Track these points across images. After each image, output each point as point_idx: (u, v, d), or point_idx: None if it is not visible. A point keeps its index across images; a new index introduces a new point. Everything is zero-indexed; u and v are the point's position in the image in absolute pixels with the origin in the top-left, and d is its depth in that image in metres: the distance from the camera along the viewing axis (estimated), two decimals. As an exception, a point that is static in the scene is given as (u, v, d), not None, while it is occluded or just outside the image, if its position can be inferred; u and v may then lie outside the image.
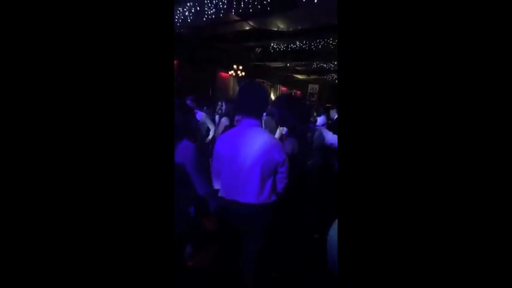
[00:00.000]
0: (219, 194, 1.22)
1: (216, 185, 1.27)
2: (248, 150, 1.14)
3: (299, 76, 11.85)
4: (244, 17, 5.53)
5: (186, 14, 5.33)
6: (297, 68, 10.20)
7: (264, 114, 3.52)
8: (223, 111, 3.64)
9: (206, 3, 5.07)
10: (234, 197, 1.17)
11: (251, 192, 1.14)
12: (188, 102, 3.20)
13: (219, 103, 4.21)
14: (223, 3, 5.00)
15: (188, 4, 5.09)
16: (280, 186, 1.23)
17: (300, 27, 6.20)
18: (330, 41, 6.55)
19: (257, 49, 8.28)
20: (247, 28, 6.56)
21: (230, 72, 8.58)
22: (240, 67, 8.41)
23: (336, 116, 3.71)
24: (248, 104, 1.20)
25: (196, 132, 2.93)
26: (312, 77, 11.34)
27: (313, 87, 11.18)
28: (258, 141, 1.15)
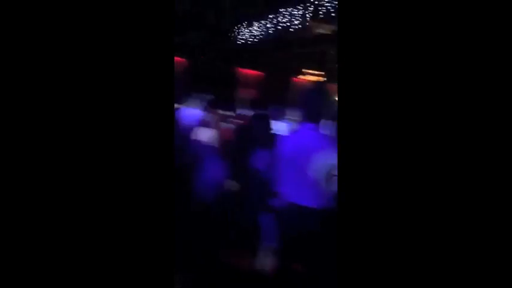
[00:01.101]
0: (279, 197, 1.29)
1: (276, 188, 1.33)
2: (308, 154, 1.20)
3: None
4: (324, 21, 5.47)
5: (268, 26, 5.66)
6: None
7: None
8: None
9: (289, 16, 5.23)
10: (294, 199, 1.22)
11: (311, 196, 1.19)
12: (266, 112, 3.36)
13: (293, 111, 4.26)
14: (304, 12, 5.08)
15: (270, 18, 5.39)
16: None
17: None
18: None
19: (332, 51, 7.98)
20: (324, 32, 6.44)
21: (305, 77, 8.57)
22: (315, 72, 8.30)
23: None
24: (310, 108, 1.26)
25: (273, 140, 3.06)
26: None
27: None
28: (317, 145, 1.21)
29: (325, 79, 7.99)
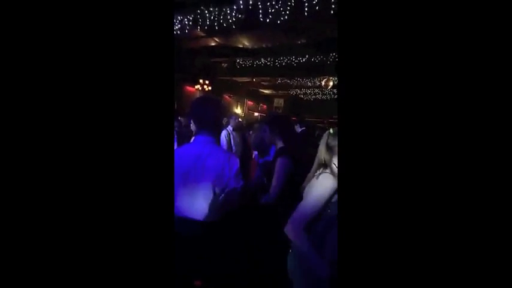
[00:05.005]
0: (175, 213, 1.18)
1: None
2: (200, 168, 1.15)
3: (265, 91, 12.24)
4: (210, 33, 5.64)
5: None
6: (262, 83, 10.56)
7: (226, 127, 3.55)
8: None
9: (171, 19, 5.07)
10: (188, 215, 1.16)
11: (205, 210, 1.15)
12: None
13: (181, 119, 4.14)
14: (188, 20, 5.05)
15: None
16: (230, 202, 1.22)
17: (264, 45, 6.52)
18: (293, 58, 6.98)
19: (223, 64, 8.41)
20: (214, 44, 6.68)
21: (196, 87, 8.52)
22: (207, 81, 8.41)
23: (300, 130, 3.89)
24: (200, 119, 1.21)
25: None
26: (277, 91, 11.83)
27: (279, 101, 11.67)
28: (210, 157, 1.16)
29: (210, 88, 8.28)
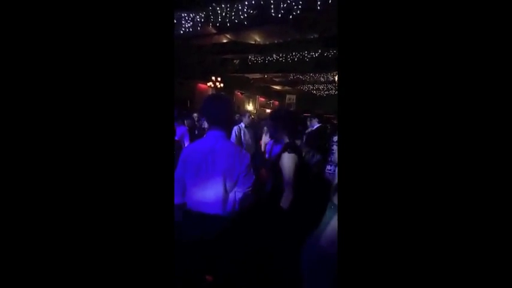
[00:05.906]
0: (187, 207, 1.24)
1: (180, 196, 1.28)
2: (212, 161, 1.19)
3: (277, 87, 12.17)
4: (222, 30, 5.66)
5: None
6: (274, 79, 10.49)
7: (237, 125, 3.59)
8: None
9: (183, 17, 5.14)
10: (200, 208, 1.20)
11: (216, 204, 1.18)
12: None
13: (195, 115, 4.23)
14: (200, 17, 5.10)
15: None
16: (243, 201, 1.25)
17: (275, 41, 6.47)
18: (305, 53, 6.88)
19: (235, 61, 8.43)
20: (225, 41, 6.70)
21: (209, 84, 8.60)
22: (219, 78, 8.47)
23: (316, 126, 3.84)
24: (212, 116, 1.27)
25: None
26: (289, 88, 11.72)
27: (291, 97, 11.57)
28: (221, 151, 1.20)
29: (222, 85, 8.32)
